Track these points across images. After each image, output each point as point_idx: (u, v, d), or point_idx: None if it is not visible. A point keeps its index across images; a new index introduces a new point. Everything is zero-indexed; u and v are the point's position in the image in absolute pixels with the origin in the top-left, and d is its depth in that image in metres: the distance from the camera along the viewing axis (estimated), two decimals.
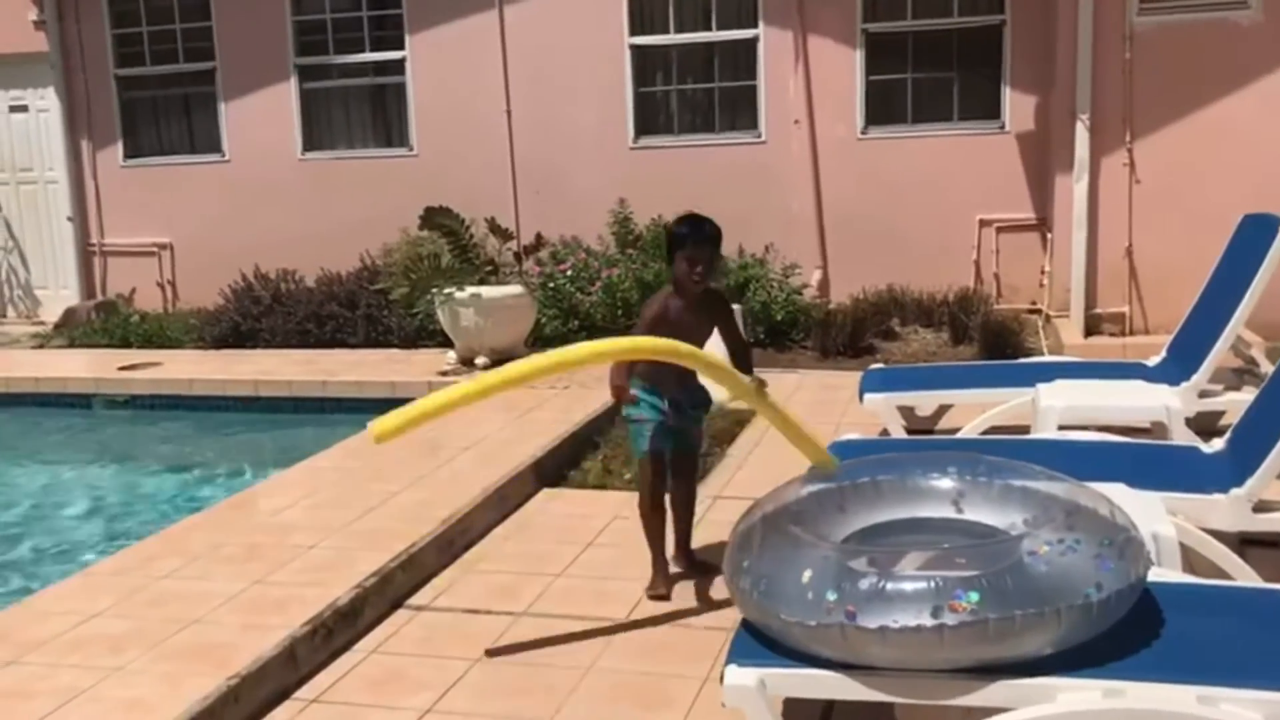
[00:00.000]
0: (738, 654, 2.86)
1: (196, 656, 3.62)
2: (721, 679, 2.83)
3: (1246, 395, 5.06)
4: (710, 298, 4.33)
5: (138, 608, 4.04)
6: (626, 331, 8.48)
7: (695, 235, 4.14)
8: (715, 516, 4.90)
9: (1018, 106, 9.05)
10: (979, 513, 3.21)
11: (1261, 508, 3.91)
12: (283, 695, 3.59)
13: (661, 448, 4.28)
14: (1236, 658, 2.69)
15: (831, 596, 2.73)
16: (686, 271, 4.10)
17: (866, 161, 9.42)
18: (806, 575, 2.83)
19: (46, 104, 11.44)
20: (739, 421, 6.70)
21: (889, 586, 2.71)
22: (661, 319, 4.11)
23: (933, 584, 2.69)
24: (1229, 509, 3.88)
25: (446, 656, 3.83)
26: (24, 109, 11.60)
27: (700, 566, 4.44)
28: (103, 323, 10.33)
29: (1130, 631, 2.77)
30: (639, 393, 4.20)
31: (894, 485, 3.35)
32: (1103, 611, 2.68)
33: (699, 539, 4.54)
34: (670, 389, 4.21)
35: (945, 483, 3.29)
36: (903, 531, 3.22)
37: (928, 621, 2.62)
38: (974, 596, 2.63)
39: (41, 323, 11.26)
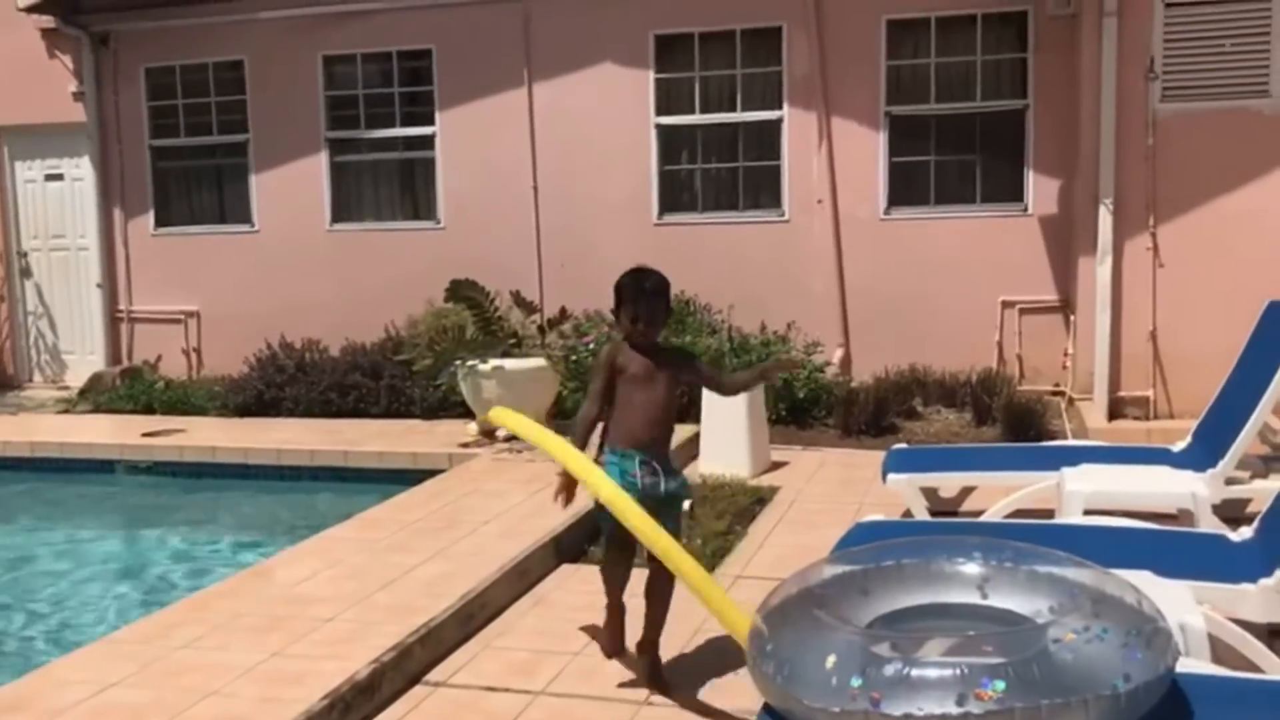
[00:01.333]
0: None
1: None
2: None
3: (1274, 483, 5.04)
4: (671, 352, 4.31)
5: (157, 677, 4.03)
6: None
7: (634, 289, 4.12)
8: (736, 597, 4.84)
9: (1041, 189, 9.12)
10: (1004, 599, 3.17)
11: None
12: None
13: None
14: None
15: (856, 683, 2.70)
16: (628, 326, 4.10)
17: (889, 241, 9.49)
18: (831, 660, 2.80)
19: (81, 173, 11.67)
20: (760, 500, 6.69)
21: (914, 673, 2.68)
22: (610, 363, 4.11)
23: (959, 671, 2.66)
24: (1258, 599, 3.84)
25: None
26: (59, 177, 11.82)
27: (658, 680, 4.09)
28: (128, 389, 10.42)
29: None
30: (607, 456, 4.08)
31: (918, 569, 3.32)
32: (1131, 703, 2.64)
33: (712, 628, 4.47)
34: (644, 448, 4.05)
35: (970, 568, 3.26)
36: (927, 617, 3.19)
37: (953, 710, 2.59)
38: (1000, 685, 2.60)
39: (67, 387, 11.37)
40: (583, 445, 4.05)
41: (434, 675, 4.30)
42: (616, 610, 4.32)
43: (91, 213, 11.63)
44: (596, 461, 4.00)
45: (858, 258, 9.56)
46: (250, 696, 3.85)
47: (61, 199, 11.84)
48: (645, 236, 9.93)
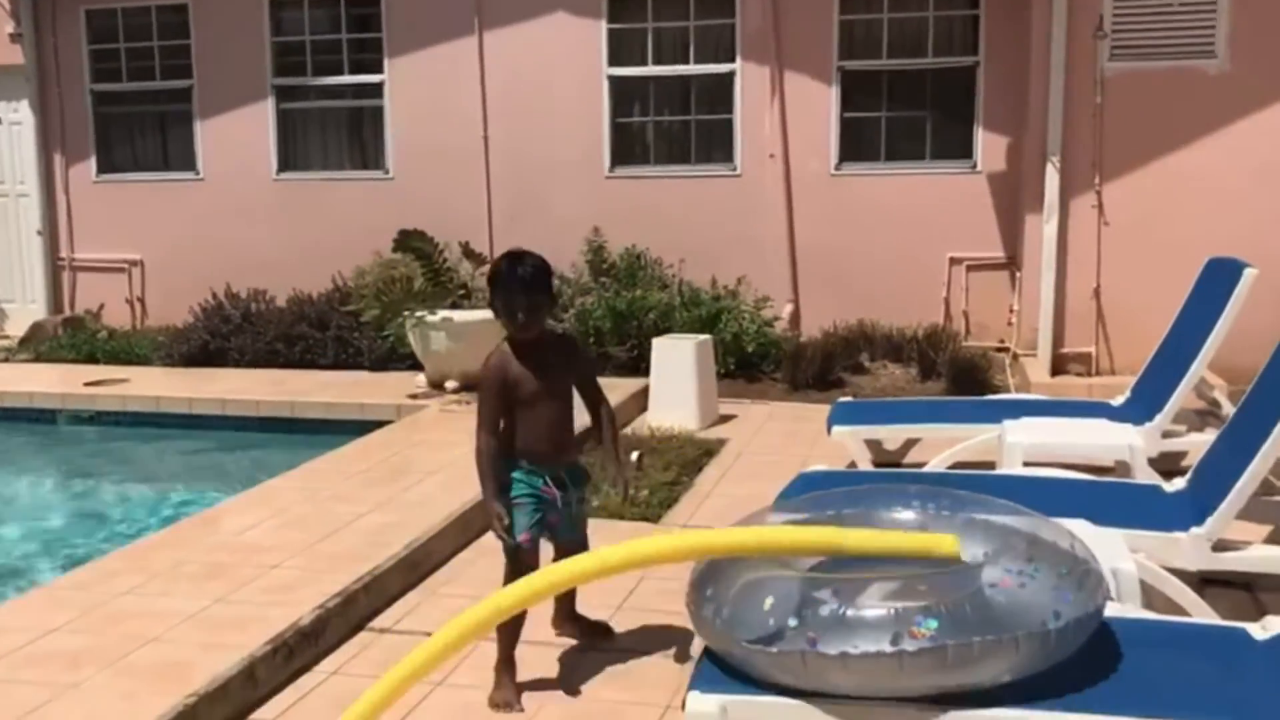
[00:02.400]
0: (700, 681, 2.86)
1: (155, 674, 3.58)
2: (683, 706, 2.83)
3: (1209, 436, 5.13)
4: (557, 345, 3.87)
5: (96, 624, 4.00)
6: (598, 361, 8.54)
7: (510, 279, 3.67)
8: None
9: (990, 147, 9.18)
10: None
11: (1221, 547, 3.96)
12: (242, 714, 3.56)
13: (536, 537, 3.75)
14: (1189, 693, 2.72)
15: (793, 623, 2.75)
16: (509, 320, 3.69)
17: (839, 197, 9.51)
18: (768, 603, 2.84)
19: (20, 117, 11.39)
20: (707, 452, 6.73)
21: (850, 614, 2.73)
22: (501, 382, 3.69)
23: (893, 611, 2.71)
24: (1189, 547, 3.93)
25: None
26: None
27: (591, 628, 4.06)
28: (70, 338, 10.25)
29: (1087, 665, 2.79)
30: (515, 472, 3.73)
31: (857, 518, 3.36)
32: (1060, 640, 2.70)
33: (666, 567, 4.51)
34: (551, 463, 3.75)
35: (908, 515, 3.31)
36: (864, 564, 3.24)
37: (887, 648, 2.64)
38: (933, 623, 2.65)
39: (7, 336, 11.16)
40: (494, 477, 3.68)
41: (378, 622, 4.31)
42: (510, 657, 3.73)
43: (31, 158, 11.36)
44: (509, 484, 3.71)
45: (808, 213, 9.58)
46: (192, 642, 3.83)
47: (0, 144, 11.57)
48: (597, 189, 9.88)
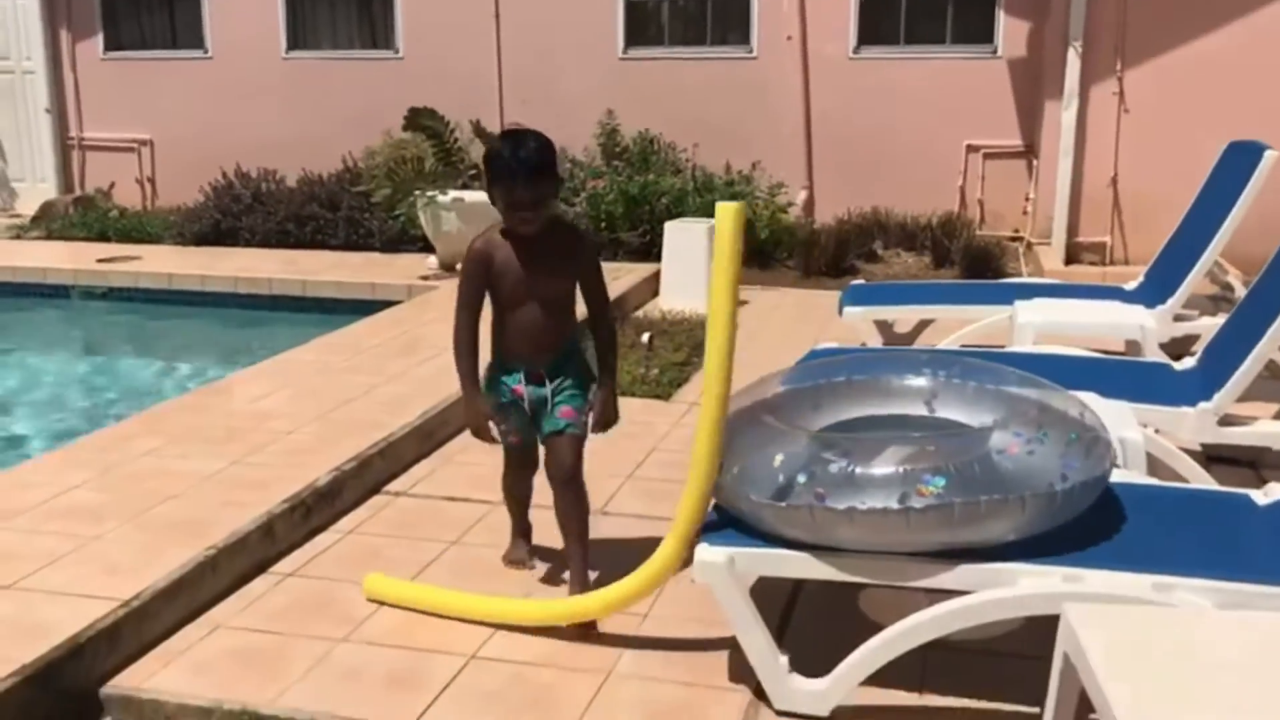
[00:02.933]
0: (709, 534, 2.92)
1: (175, 528, 3.66)
2: (691, 559, 2.89)
3: (1220, 320, 5.12)
4: (560, 239, 3.37)
5: (116, 482, 4.07)
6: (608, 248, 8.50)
7: (510, 163, 3.20)
8: (690, 421, 4.95)
9: (1011, 31, 9.00)
10: (951, 412, 3.26)
11: (1227, 421, 3.99)
12: (260, 568, 3.64)
13: (525, 439, 3.49)
14: (1191, 552, 2.77)
15: (802, 479, 2.79)
16: (506, 211, 3.25)
17: (858, 82, 9.37)
18: (778, 460, 2.88)
19: None
20: None
21: (858, 471, 2.77)
22: (483, 269, 3.30)
23: (901, 469, 2.75)
24: (1196, 421, 3.96)
25: (423, 539, 3.89)
26: None
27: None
28: (81, 217, 10.23)
29: (1092, 526, 2.84)
30: (494, 371, 3.44)
31: (867, 384, 3.39)
32: (1066, 502, 2.74)
33: (674, 441, 4.55)
34: (532, 359, 3.37)
35: (918, 382, 3.33)
36: (874, 427, 3.27)
37: (894, 505, 2.68)
38: (940, 481, 2.69)
39: (18, 215, 11.14)
40: (471, 367, 3.39)
41: (394, 486, 4.38)
42: (522, 518, 3.72)
43: (37, 34, 11.21)
44: (487, 378, 3.43)
45: (825, 97, 9.45)
46: (211, 501, 3.90)
47: (4, 18, 11.39)
48: (609, 70, 9.74)
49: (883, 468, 2.77)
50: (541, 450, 3.49)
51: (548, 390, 3.37)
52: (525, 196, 3.21)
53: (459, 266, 3.43)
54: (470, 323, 3.37)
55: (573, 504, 3.39)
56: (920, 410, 3.30)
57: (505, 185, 3.23)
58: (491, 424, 3.44)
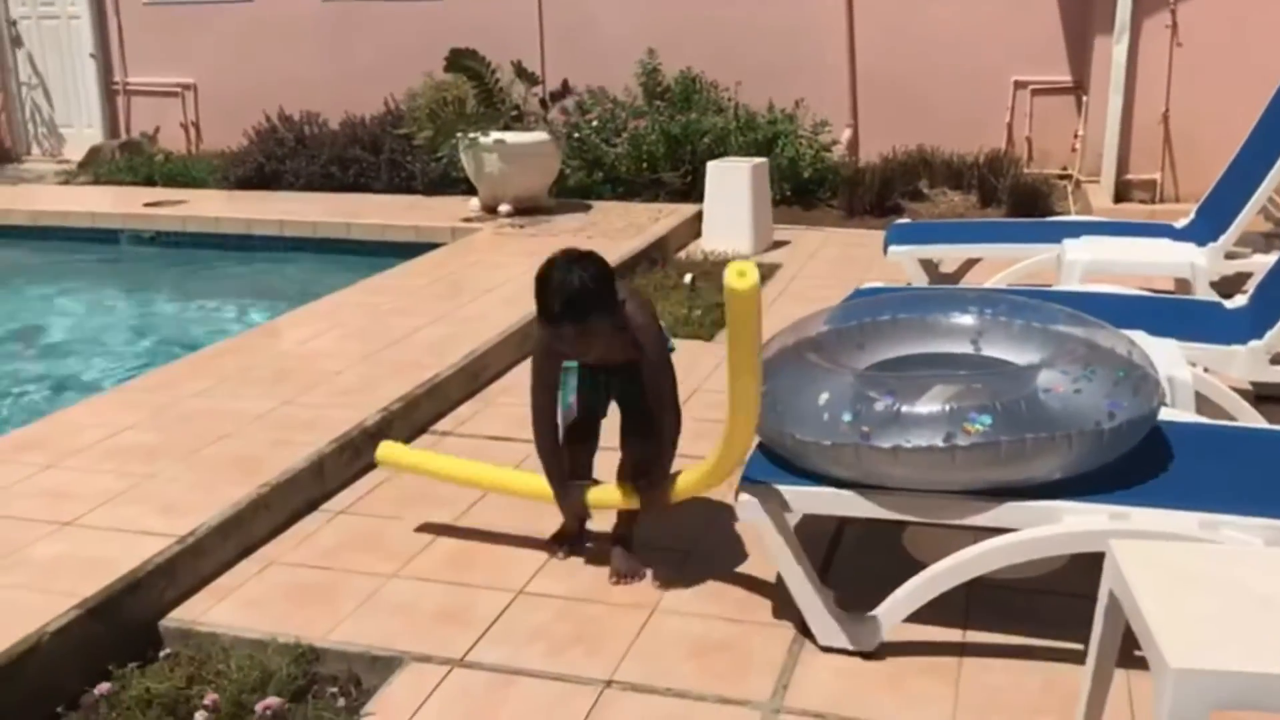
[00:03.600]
0: (753, 471, 2.94)
1: (228, 467, 3.73)
2: (736, 495, 2.91)
3: (1274, 258, 5.03)
4: (623, 369, 3.17)
5: (169, 422, 4.15)
6: (652, 186, 8.44)
7: (547, 309, 2.92)
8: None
9: None
10: (998, 349, 3.23)
11: (1278, 360, 3.93)
12: (311, 506, 3.71)
13: (593, 403, 3.29)
14: (1239, 489, 2.75)
15: (847, 418, 2.79)
16: (554, 347, 3.05)
17: (903, 16, 9.21)
18: (824, 398, 2.88)
19: None
20: (761, 275, 6.71)
21: (904, 409, 2.77)
22: (554, 355, 3.10)
23: (946, 408, 2.74)
24: (1246, 360, 3.91)
25: None
26: None
27: (628, 559, 3.26)
28: (127, 161, 10.32)
29: (1139, 464, 2.83)
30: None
31: (913, 323, 3.36)
32: (1113, 440, 2.73)
33: (716, 381, 4.54)
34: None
35: (965, 320, 3.30)
36: (920, 366, 3.26)
37: (940, 443, 2.68)
38: (986, 420, 2.69)
39: (66, 160, 11.26)
40: (559, 461, 3.23)
41: (441, 426, 4.43)
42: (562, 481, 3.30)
43: None
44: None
45: (870, 33, 9.30)
46: (262, 440, 3.97)
47: None
48: (651, 9, 9.63)
49: (928, 406, 2.77)
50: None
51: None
52: (575, 349, 3.02)
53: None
54: (549, 405, 3.13)
55: (642, 452, 3.23)
56: (966, 349, 3.28)
57: (552, 330, 2.96)
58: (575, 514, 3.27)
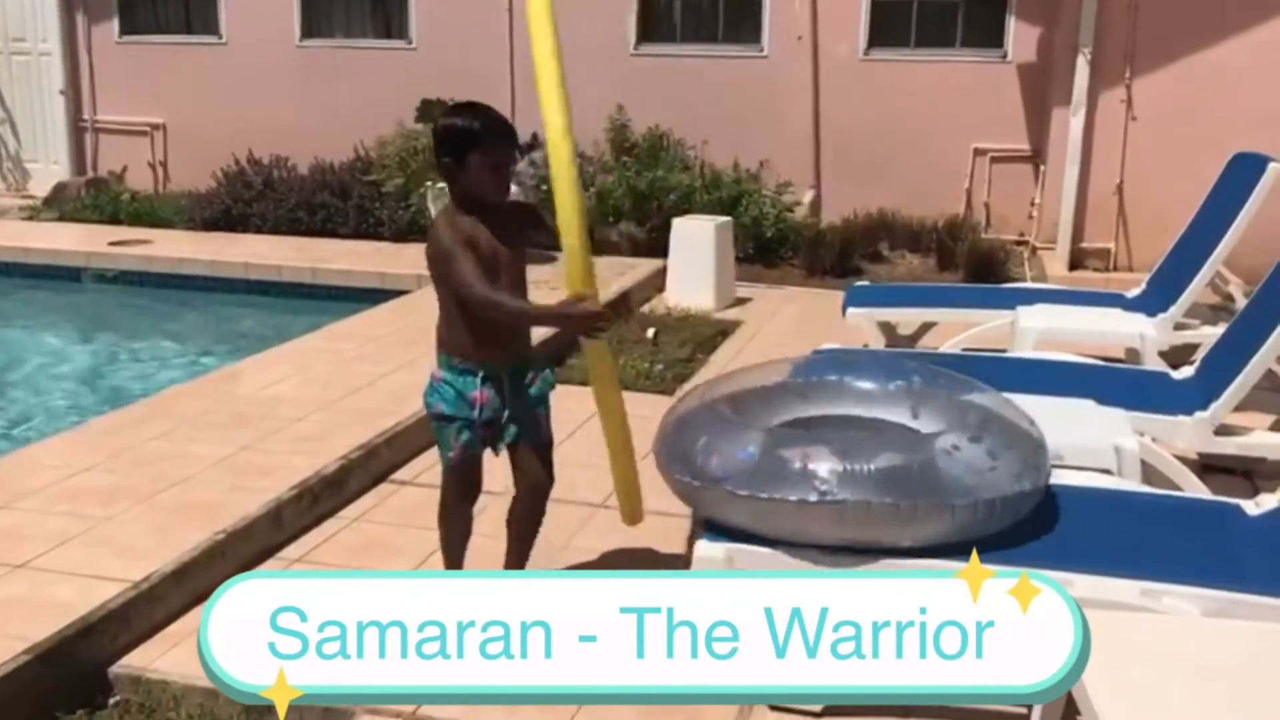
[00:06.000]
0: (709, 531, 2.98)
1: (185, 512, 3.73)
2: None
3: (1221, 330, 5.17)
4: (520, 213, 3.31)
5: (127, 465, 4.14)
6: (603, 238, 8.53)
7: (499, 127, 3.11)
8: None
9: (1021, 36, 9.03)
10: (899, 416, 3.30)
11: (1223, 431, 4.04)
12: (268, 553, 3.71)
13: (474, 452, 3.21)
14: (1181, 559, 2.82)
15: (714, 462, 2.92)
16: (489, 177, 3.07)
17: (867, 83, 9.41)
18: (701, 442, 3.01)
19: None
20: (722, 332, 6.80)
21: (763, 461, 2.87)
22: (473, 245, 3.04)
23: (801, 464, 2.83)
24: (1192, 430, 4.01)
25: (427, 528, 3.91)
26: None
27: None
28: (93, 199, 10.28)
29: (1083, 530, 2.90)
30: (443, 372, 3.19)
31: (825, 386, 3.46)
32: (989, 512, 2.78)
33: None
34: (499, 360, 3.15)
35: (870, 386, 3.41)
36: (824, 426, 3.32)
37: (790, 496, 2.79)
38: (832, 479, 2.77)
39: (31, 196, 11.19)
40: (540, 305, 3.31)
41: (400, 475, 4.44)
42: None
43: (53, 16, 11.24)
44: (432, 381, 3.24)
45: (835, 98, 9.49)
46: (220, 485, 3.97)
47: (21, 0, 11.45)
48: (621, 66, 9.78)
49: (785, 462, 2.85)
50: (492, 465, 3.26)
51: (525, 396, 3.19)
52: (507, 160, 3.13)
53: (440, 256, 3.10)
54: (497, 291, 3.03)
55: (541, 512, 3.30)
56: (878, 414, 3.34)
57: (498, 148, 3.08)
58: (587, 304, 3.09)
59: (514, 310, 3.10)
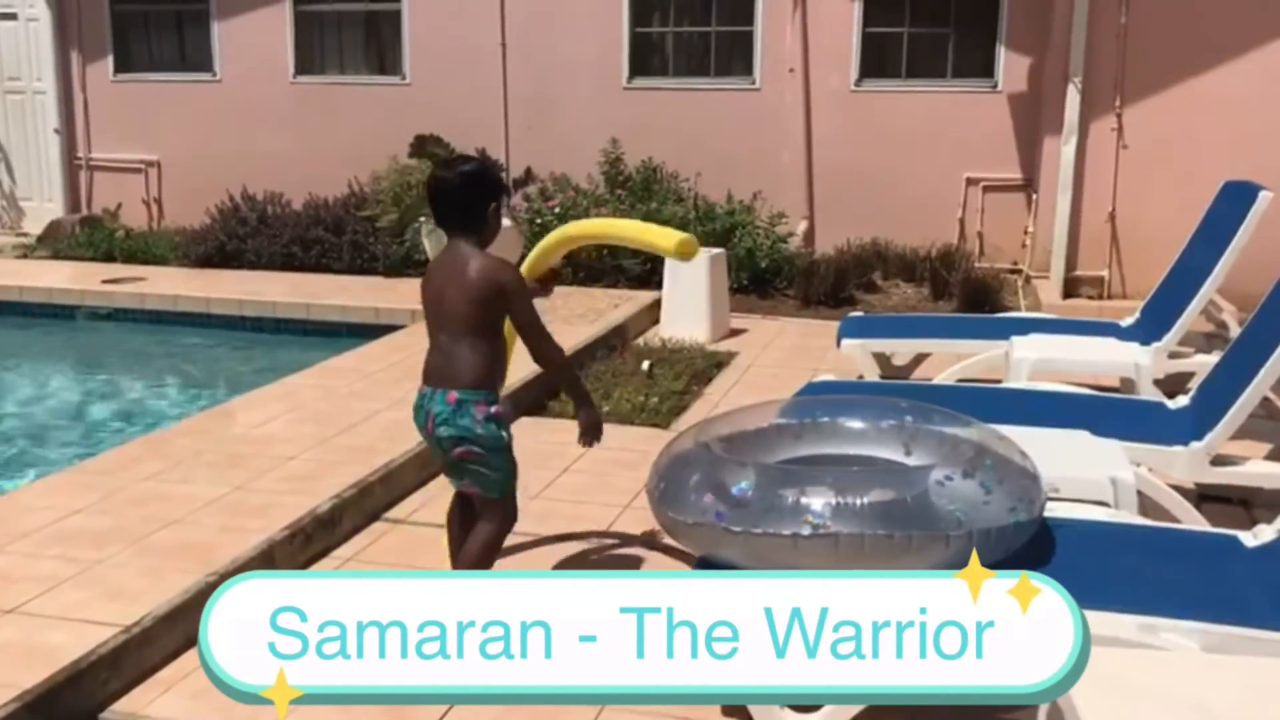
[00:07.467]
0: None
1: (177, 553, 3.71)
2: None
3: (1215, 358, 5.18)
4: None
5: (119, 506, 4.12)
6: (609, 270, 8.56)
7: (497, 179, 3.54)
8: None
9: (1012, 66, 9.09)
10: (891, 453, 3.30)
11: (1219, 461, 4.03)
12: None
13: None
14: (1179, 593, 2.80)
15: (707, 500, 2.89)
16: (498, 225, 3.45)
17: (859, 114, 9.46)
18: (694, 480, 2.98)
19: (36, 12, 11.32)
20: (717, 363, 6.80)
21: (755, 497, 2.85)
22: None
23: (794, 500, 2.81)
24: (1188, 460, 4.00)
25: (421, 567, 3.92)
26: (13, 17, 11.46)
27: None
28: (87, 237, 10.30)
29: (1080, 564, 2.88)
30: (500, 406, 3.39)
31: (816, 427, 3.45)
32: (984, 543, 2.75)
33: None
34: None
35: (862, 425, 3.40)
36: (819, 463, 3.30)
37: (785, 530, 2.77)
38: (825, 513, 2.76)
39: (25, 234, 11.22)
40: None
41: (393, 513, 4.42)
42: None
43: (48, 55, 11.32)
44: (492, 416, 3.36)
45: (827, 129, 9.54)
46: (212, 526, 3.95)
47: (16, 40, 11.50)
48: (614, 100, 9.83)
49: (777, 498, 2.84)
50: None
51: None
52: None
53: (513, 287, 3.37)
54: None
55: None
56: (872, 452, 3.34)
57: (501, 198, 3.43)
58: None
59: (569, 361, 3.55)
